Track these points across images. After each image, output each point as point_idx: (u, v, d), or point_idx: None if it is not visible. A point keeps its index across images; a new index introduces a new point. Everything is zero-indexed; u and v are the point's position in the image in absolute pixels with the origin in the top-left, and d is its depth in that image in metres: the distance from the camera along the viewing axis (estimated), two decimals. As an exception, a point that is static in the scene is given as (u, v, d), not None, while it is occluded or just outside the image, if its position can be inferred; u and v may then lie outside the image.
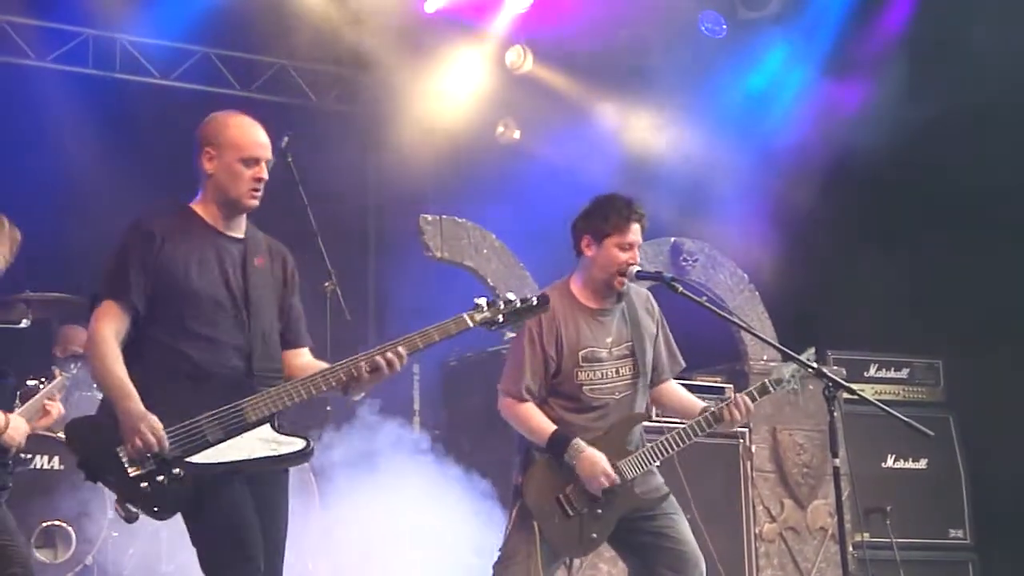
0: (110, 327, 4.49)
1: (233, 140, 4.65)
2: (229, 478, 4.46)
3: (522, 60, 11.31)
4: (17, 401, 6.86)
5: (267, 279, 4.71)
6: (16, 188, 9.44)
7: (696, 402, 5.79)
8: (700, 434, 5.58)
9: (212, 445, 4.41)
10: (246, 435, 4.45)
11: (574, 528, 5.35)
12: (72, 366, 8.35)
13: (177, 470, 4.39)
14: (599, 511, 5.37)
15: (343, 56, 11.32)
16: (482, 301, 4.70)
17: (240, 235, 4.72)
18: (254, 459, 4.47)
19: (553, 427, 5.37)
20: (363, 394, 4.78)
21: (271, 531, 4.62)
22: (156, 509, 4.47)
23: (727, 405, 5.56)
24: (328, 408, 8.37)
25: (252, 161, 4.64)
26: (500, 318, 4.70)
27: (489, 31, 11.16)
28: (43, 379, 8.16)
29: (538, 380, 5.46)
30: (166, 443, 4.35)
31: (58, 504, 7.62)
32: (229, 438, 4.43)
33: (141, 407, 4.37)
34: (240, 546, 4.42)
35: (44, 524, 7.63)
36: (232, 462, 4.44)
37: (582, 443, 5.33)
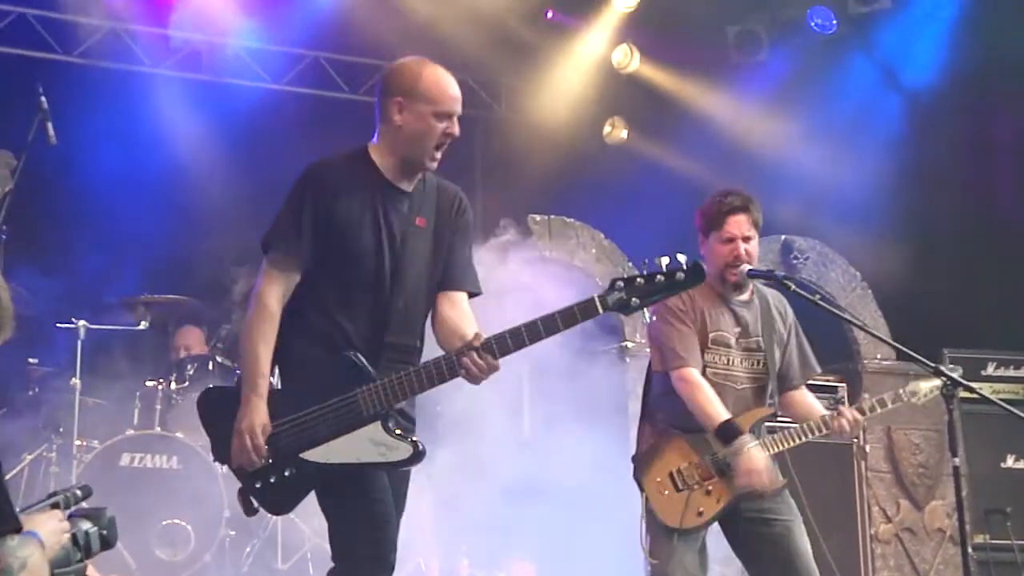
0: (276, 291, 4.39)
1: (429, 92, 4.43)
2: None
3: (629, 59, 11.28)
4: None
5: (425, 243, 4.50)
6: (131, 193, 9.67)
7: (819, 409, 5.74)
8: (808, 437, 5.56)
9: (323, 441, 4.27)
10: (358, 434, 4.26)
11: (681, 501, 5.38)
12: (189, 367, 8.55)
13: (288, 471, 4.31)
14: (710, 488, 5.39)
15: (451, 59, 11.36)
16: (620, 279, 4.18)
17: (410, 188, 4.52)
18: (361, 463, 4.28)
19: (727, 414, 5.36)
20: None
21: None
22: (271, 506, 4.44)
23: (833, 417, 5.52)
24: (438, 407, 8.41)
25: (446, 116, 4.43)
26: (635, 301, 4.16)
27: (596, 31, 11.14)
28: (160, 380, 8.36)
29: (695, 353, 5.46)
30: (259, 459, 4.29)
31: (177, 503, 7.76)
32: (340, 435, 4.26)
33: (260, 406, 4.29)
34: (377, 545, 4.28)
35: (164, 523, 7.77)
36: (341, 464, 4.28)
37: (750, 438, 5.33)
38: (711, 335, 5.49)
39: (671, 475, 5.41)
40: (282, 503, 4.44)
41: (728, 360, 5.53)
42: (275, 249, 4.43)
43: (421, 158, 4.45)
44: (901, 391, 5.67)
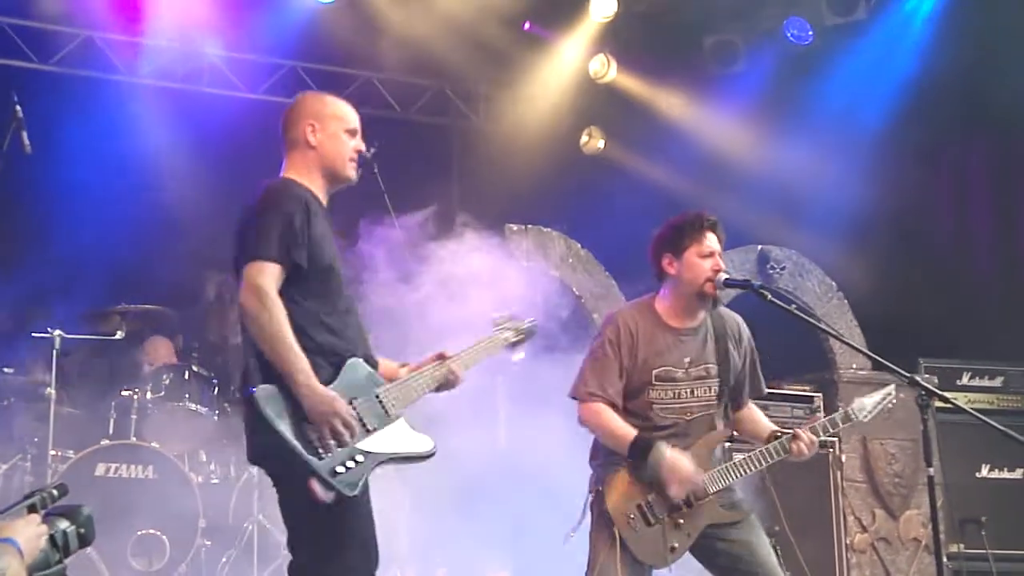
0: (274, 286, 4.39)
1: (336, 113, 4.81)
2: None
3: (606, 69, 11.29)
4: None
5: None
6: (106, 201, 9.63)
7: (767, 424, 5.72)
8: (771, 461, 5.48)
9: (371, 433, 4.43)
10: (388, 430, 4.50)
11: (655, 537, 5.31)
12: (164, 377, 8.51)
13: (361, 457, 4.37)
14: (680, 521, 5.33)
15: (428, 68, 11.38)
16: (508, 325, 5.27)
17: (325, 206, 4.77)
18: (398, 454, 4.52)
19: (634, 432, 5.32)
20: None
21: None
22: (347, 493, 4.32)
23: (791, 439, 5.48)
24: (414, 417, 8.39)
25: (354, 132, 4.81)
26: (518, 343, 5.30)
27: (573, 41, 11.16)
28: (136, 389, 8.33)
29: (613, 386, 5.42)
30: (358, 424, 4.37)
31: (152, 513, 7.72)
32: (382, 427, 4.47)
33: (320, 386, 4.32)
34: (368, 559, 4.43)
35: (139, 533, 7.73)
36: (386, 453, 4.46)
37: (665, 447, 5.27)
38: (655, 371, 5.43)
39: (640, 508, 5.30)
40: (356, 491, 4.35)
41: (675, 394, 5.45)
42: (264, 257, 4.40)
43: (343, 170, 4.77)
44: (849, 409, 5.63)
